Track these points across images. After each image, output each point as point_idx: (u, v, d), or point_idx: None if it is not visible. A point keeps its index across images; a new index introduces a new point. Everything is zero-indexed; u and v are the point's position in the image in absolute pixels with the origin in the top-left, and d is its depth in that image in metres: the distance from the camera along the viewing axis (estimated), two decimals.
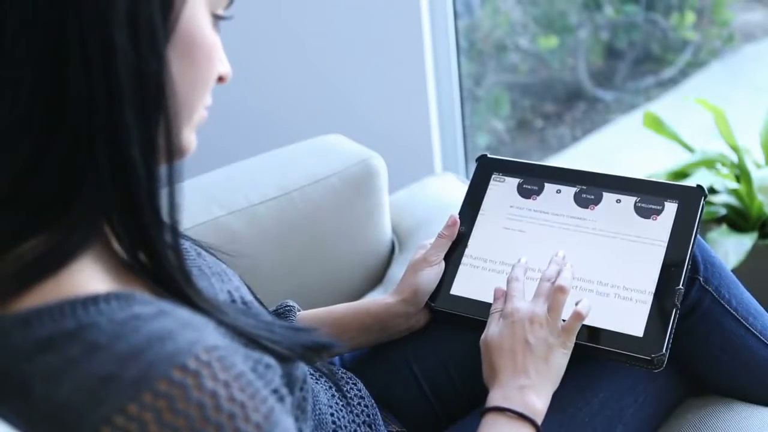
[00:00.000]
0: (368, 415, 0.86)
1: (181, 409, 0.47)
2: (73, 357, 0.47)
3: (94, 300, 0.50)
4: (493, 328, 0.81)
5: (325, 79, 1.92)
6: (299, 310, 0.93)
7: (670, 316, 0.82)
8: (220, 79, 0.60)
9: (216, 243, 1.16)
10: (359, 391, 0.88)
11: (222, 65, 0.59)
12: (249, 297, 0.71)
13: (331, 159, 1.25)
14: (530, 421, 0.74)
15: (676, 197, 0.89)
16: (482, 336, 0.82)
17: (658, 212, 0.89)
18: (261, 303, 0.77)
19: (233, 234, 1.15)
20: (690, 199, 0.89)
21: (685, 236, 0.86)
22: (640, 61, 2.88)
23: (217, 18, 0.58)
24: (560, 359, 0.79)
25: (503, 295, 0.84)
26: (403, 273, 0.95)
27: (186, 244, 0.72)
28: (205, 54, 0.56)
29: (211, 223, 1.15)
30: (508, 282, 0.85)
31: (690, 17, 2.77)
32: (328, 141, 1.32)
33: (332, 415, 0.81)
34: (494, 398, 0.77)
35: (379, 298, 0.94)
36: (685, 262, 0.85)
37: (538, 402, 0.76)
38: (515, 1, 2.82)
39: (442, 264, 0.93)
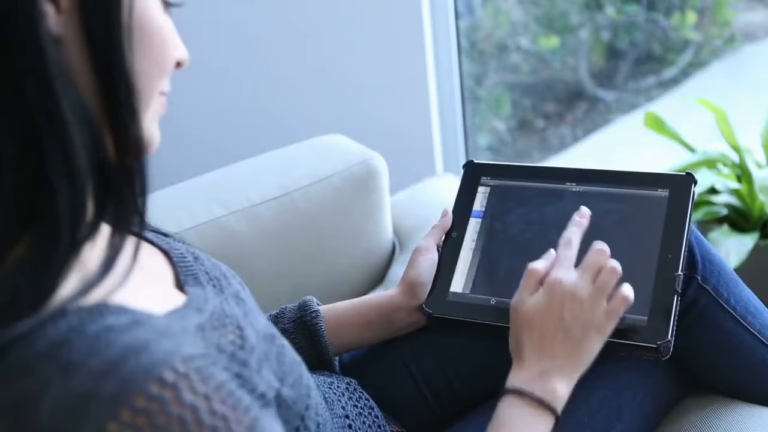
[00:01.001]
0: (375, 416, 0.86)
1: (162, 424, 0.46)
2: (48, 378, 0.46)
3: (62, 314, 0.48)
4: (526, 295, 0.76)
5: (326, 79, 1.92)
6: (320, 304, 0.92)
7: (672, 302, 0.82)
8: (178, 64, 0.59)
9: (217, 243, 1.17)
10: (362, 393, 0.88)
11: (178, 51, 0.58)
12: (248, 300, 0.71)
13: (332, 159, 1.25)
14: (550, 409, 0.71)
15: (666, 186, 0.90)
16: (514, 299, 0.77)
17: (650, 202, 0.90)
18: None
19: (234, 234, 1.15)
20: (681, 186, 0.90)
21: (679, 223, 0.87)
22: (641, 61, 2.88)
23: (166, 4, 0.57)
24: (594, 344, 0.74)
25: (550, 259, 0.79)
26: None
27: (182, 249, 0.71)
28: (158, 40, 0.55)
29: (212, 223, 1.15)
30: (560, 245, 0.78)
31: (691, 17, 2.76)
32: (329, 141, 1.32)
33: (330, 418, 0.81)
34: (515, 379, 0.73)
35: (383, 293, 0.94)
36: (681, 248, 0.85)
37: (561, 387, 0.72)
38: (516, 1, 2.82)
39: (436, 253, 0.93)
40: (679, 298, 0.83)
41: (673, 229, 0.87)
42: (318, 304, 0.93)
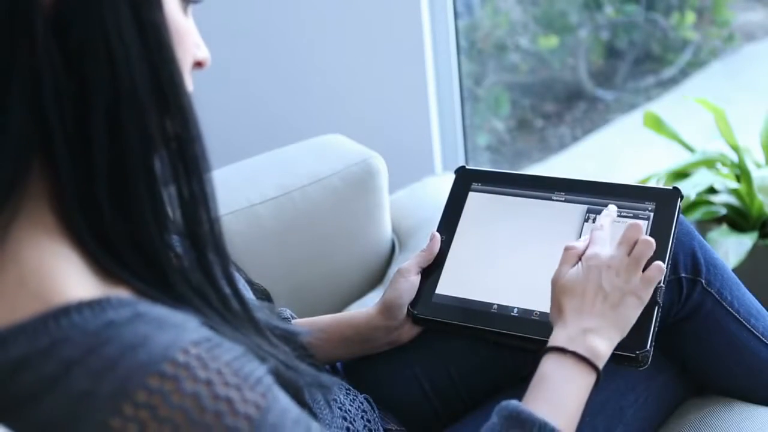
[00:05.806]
0: (374, 416, 0.86)
1: (165, 415, 0.46)
2: (49, 375, 0.46)
3: (65, 311, 0.48)
4: (566, 269, 0.79)
5: (325, 79, 1.92)
6: (293, 317, 0.92)
7: (653, 313, 0.83)
8: (199, 64, 0.59)
9: None
10: (356, 396, 0.88)
11: (199, 50, 0.59)
12: (249, 295, 0.71)
13: (332, 159, 1.25)
14: (592, 365, 0.73)
15: (653, 199, 0.92)
16: (553, 275, 0.80)
17: (636, 214, 0.91)
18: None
19: (233, 234, 1.15)
20: (667, 200, 0.91)
21: (663, 236, 0.88)
22: (640, 60, 2.88)
23: (186, 2, 0.57)
24: (632, 310, 0.77)
25: (586, 239, 0.83)
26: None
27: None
28: (176, 39, 0.54)
29: None
30: (593, 230, 0.83)
31: (690, 17, 2.76)
32: (328, 141, 1.32)
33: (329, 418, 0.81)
34: (557, 338, 0.75)
35: (362, 310, 0.94)
36: (665, 261, 0.86)
37: (602, 345, 0.74)
38: (515, 1, 2.82)
39: (418, 277, 0.93)
40: (660, 310, 0.84)
41: (657, 241, 0.88)
42: (292, 316, 0.92)
